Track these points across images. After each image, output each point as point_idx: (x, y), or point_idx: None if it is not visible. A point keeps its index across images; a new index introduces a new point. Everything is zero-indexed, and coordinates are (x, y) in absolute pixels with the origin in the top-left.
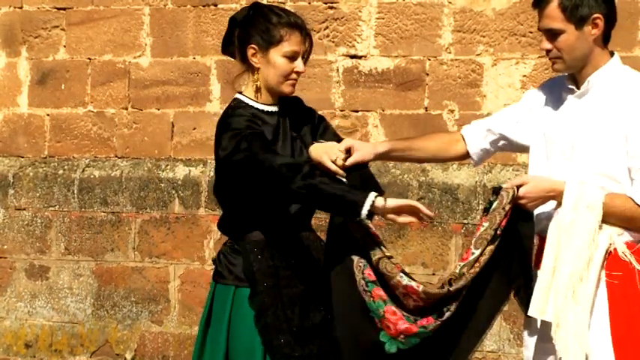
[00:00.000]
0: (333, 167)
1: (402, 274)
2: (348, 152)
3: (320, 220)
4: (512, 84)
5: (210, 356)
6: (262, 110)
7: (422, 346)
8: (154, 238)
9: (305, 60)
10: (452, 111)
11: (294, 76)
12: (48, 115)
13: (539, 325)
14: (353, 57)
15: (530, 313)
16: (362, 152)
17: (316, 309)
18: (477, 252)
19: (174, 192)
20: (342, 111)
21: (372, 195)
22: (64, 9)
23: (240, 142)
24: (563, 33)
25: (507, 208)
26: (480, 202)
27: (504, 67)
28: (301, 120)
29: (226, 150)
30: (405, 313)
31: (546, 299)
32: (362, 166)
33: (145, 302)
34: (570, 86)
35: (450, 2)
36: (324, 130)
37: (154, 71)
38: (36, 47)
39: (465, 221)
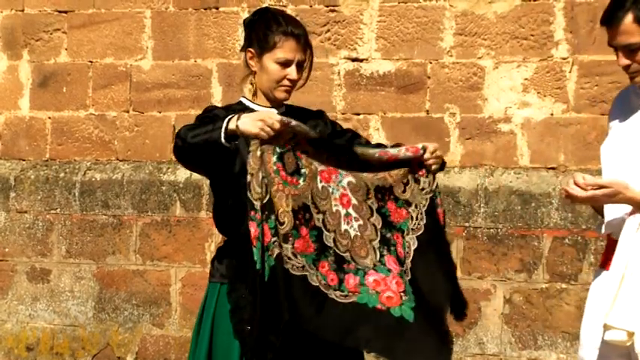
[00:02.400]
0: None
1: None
2: None
3: None
4: (513, 87)
5: (198, 353)
6: (255, 111)
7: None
8: (155, 241)
9: (308, 70)
10: (453, 114)
11: (286, 82)
12: (49, 118)
13: (599, 327)
14: (354, 60)
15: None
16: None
17: None
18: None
19: (175, 195)
20: (343, 114)
21: (225, 122)
22: (65, 12)
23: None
24: None
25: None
26: (482, 205)
27: (506, 70)
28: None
29: None
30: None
31: (612, 304)
32: None
33: (146, 305)
34: None
35: (451, 5)
36: (337, 134)
37: (156, 74)
38: (37, 50)
39: (467, 224)
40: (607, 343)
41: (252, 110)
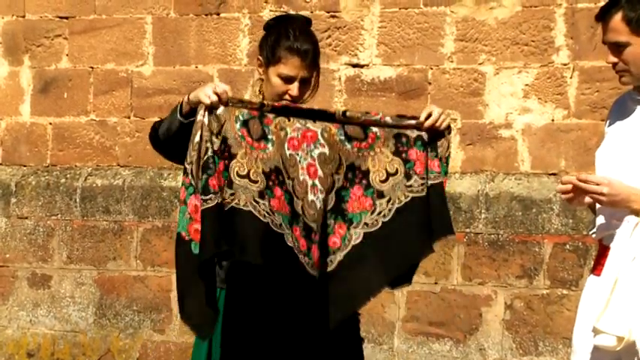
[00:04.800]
0: None
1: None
2: None
3: None
4: (514, 93)
5: (198, 358)
6: None
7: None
8: (156, 246)
9: (315, 87)
10: (454, 120)
11: (287, 97)
12: (50, 123)
13: (589, 331)
14: (355, 66)
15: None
16: None
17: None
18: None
19: (176, 201)
20: None
21: (181, 100)
22: (66, 18)
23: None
24: (629, 46)
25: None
26: (483, 211)
27: (506, 76)
28: None
29: None
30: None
31: (603, 309)
32: None
33: (147, 311)
34: (638, 97)
35: (452, 11)
36: None
37: (157, 80)
38: (38, 56)
39: (468, 230)
40: (599, 348)
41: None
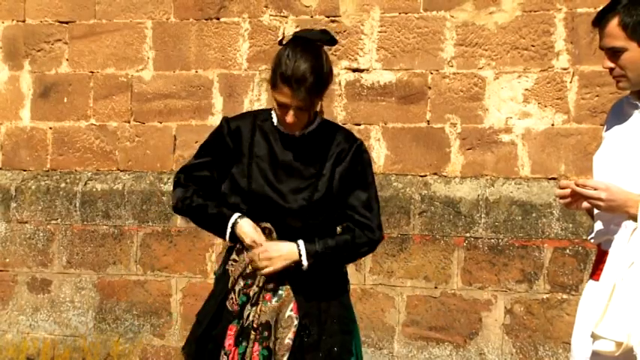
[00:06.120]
0: None
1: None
2: None
3: None
4: (514, 97)
5: None
6: (275, 126)
7: None
8: (156, 251)
9: (312, 112)
10: (454, 124)
11: (286, 122)
12: (50, 128)
13: (588, 336)
14: (355, 70)
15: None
16: None
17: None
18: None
19: None
20: (344, 124)
21: (233, 218)
22: (66, 23)
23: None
24: (626, 51)
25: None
26: (483, 215)
27: (506, 80)
28: (324, 153)
29: None
30: None
31: (602, 314)
32: None
33: (147, 316)
34: (635, 102)
35: (452, 16)
36: (341, 185)
37: (157, 84)
38: (39, 61)
39: (467, 235)
40: (598, 353)
41: (272, 124)
